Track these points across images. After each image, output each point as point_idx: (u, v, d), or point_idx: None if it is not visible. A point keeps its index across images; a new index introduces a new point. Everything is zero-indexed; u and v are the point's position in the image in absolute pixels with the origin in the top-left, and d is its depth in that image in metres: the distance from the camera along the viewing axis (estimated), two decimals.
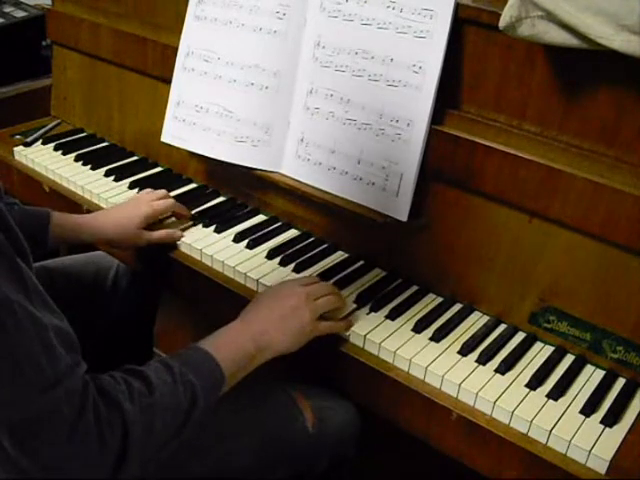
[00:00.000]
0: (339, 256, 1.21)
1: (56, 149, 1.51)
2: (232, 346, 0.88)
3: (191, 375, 0.79)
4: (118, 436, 0.70)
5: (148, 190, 1.27)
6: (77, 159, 1.47)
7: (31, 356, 0.65)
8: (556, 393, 0.92)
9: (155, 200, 1.22)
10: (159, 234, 1.19)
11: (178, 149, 1.33)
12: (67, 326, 0.71)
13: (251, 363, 0.90)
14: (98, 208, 1.31)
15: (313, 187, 1.19)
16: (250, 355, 0.89)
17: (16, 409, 0.65)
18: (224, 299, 1.13)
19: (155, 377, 0.77)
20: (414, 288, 1.13)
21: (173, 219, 1.27)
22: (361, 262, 1.19)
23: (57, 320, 0.69)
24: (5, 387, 0.65)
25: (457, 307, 1.09)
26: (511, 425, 0.89)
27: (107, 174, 1.42)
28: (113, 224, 1.17)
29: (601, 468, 0.84)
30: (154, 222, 1.22)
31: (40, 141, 1.54)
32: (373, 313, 1.06)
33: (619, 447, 0.85)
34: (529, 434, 0.88)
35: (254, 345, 0.90)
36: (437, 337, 1.01)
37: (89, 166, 1.44)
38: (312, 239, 1.24)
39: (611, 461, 0.83)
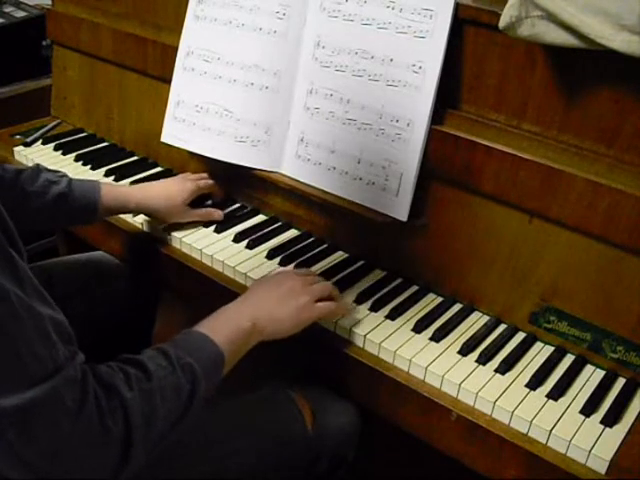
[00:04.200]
0: (339, 256, 1.21)
1: (56, 149, 1.51)
2: (228, 325, 0.87)
3: (188, 357, 0.79)
4: (120, 423, 0.70)
5: (188, 173, 1.34)
6: (77, 159, 1.47)
7: (29, 346, 0.65)
8: (556, 393, 0.92)
9: (198, 180, 1.29)
10: (201, 212, 1.26)
11: (178, 149, 1.33)
12: (62, 318, 0.70)
13: (249, 341, 0.90)
14: None
15: (313, 187, 1.19)
16: (247, 333, 0.89)
17: (17, 399, 0.64)
18: (224, 299, 1.12)
19: (151, 363, 0.77)
20: (414, 288, 1.13)
21: (210, 202, 1.33)
22: (361, 262, 1.19)
23: (52, 311, 0.69)
24: (4, 377, 0.64)
25: (457, 307, 1.09)
26: (511, 425, 0.89)
27: (107, 174, 1.42)
28: (163, 196, 1.22)
29: (601, 468, 0.84)
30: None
31: (40, 141, 1.54)
32: (373, 313, 1.05)
33: (619, 447, 0.85)
34: (529, 434, 0.88)
35: (251, 323, 0.89)
36: (437, 337, 1.01)
37: (89, 166, 1.45)
38: (312, 239, 1.24)
39: (611, 461, 0.83)
